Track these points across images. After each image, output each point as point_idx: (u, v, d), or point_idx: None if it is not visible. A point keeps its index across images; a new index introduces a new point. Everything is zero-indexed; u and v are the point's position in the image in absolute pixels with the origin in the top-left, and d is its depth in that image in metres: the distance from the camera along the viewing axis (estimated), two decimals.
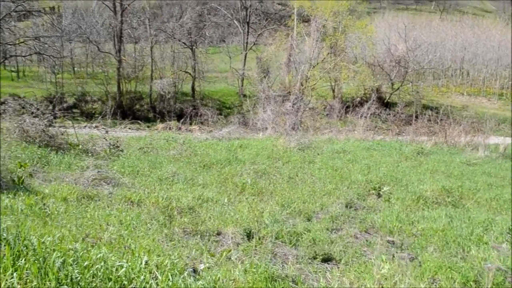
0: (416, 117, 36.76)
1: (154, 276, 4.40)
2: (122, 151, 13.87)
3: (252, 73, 43.33)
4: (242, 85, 44.98)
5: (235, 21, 51.52)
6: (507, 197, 10.79)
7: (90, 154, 12.89)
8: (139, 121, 32.48)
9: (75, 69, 50.46)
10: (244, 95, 41.18)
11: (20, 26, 44.76)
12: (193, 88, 43.09)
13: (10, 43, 38.66)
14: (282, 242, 6.92)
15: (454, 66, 67.06)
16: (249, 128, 25.80)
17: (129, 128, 31.48)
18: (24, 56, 41.62)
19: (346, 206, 9.43)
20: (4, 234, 4.69)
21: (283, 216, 8.33)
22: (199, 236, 6.82)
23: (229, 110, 40.78)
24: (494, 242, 7.23)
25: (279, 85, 40.59)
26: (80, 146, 13.55)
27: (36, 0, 47.12)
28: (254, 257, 5.82)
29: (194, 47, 43.75)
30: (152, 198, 8.68)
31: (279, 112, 23.05)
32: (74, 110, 38.28)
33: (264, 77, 40.21)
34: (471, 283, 5.44)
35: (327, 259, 6.38)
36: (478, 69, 64.77)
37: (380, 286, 4.79)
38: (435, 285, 5.42)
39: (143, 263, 4.57)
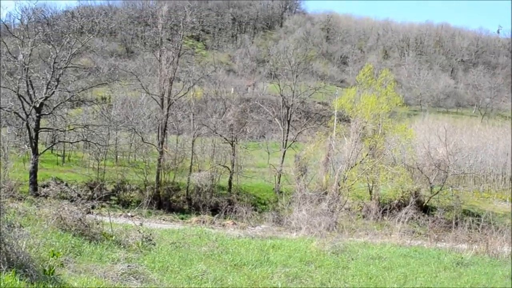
0: (456, 223, 35.57)
1: None
2: (154, 244, 13.87)
3: (290, 171, 43.62)
4: (279, 182, 45.14)
5: (276, 119, 52.88)
6: None
7: (122, 246, 12.93)
8: (174, 213, 32.65)
9: (118, 157, 52.19)
10: (280, 192, 41.13)
11: (71, 114, 47.32)
12: (230, 183, 43.54)
13: (61, 130, 40.58)
14: None
15: (496, 171, 65.90)
16: (283, 226, 25.49)
17: (164, 220, 31.67)
18: (71, 143, 43.33)
19: None
20: None
21: None
22: None
23: (264, 206, 40.64)
24: None
25: (316, 184, 40.53)
26: (114, 237, 13.64)
27: (90, 91, 50.09)
28: None
29: (234, 142, 44.80)
30: None
31: (314, 213, 22.79)
32: (112, 197, 39.00)
33: (302, 175, 40.38)
34: None
35: None
36: None
37: None
38: None
39: None
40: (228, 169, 43.81)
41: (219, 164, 44.41)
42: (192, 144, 43.54)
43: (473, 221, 28.67)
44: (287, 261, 13.75)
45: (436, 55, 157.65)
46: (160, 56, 42.83)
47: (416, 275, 13.54)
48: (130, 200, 39.39)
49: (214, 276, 10.98)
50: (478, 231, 24.81)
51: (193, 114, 45.68)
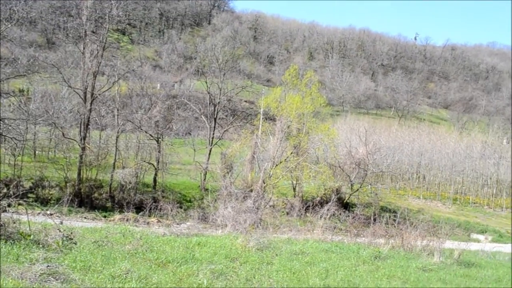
0: (375, 219, 37.29)
1: None
2: (75, 243, 13.40)
3: (216, 168, 43.68)
4: (205, 179, 45.06)
5: (203, 116, 52.68)
6: None
7: (41, 246, 12.40)
8: (96, 211, 31.71)
9: (37, 152, 49.79)
10: (206, 189, 41.11)
11: None
12: (155, 180, 42.86)
13: None
14: None
15: (411, 170, 69.73)
16: (209, 223, 25.52)
17: (85, 218, 30.71)
18: None
19: None
20: None
21: None
22: None
23: (190, 204, 40.45)
24: None
25: (241, 181, 40.88)
26: (32, 237, 13.04)
27: (7, 83, 47.35)
28: None
29: (160, 139, 44.12)
30: None
31: (239, 210, 22.99)
32: (30, 195, 37.17)
33: (227, 172, 40.57)
34: None
35: None
36: (433, 174, 67.52)
37: None
38: None
39: None
40: (153, 166, 43.12)
41: (144, 161, 43.56)
42: (116, 140, 42.38)
43: (389, 217, 30.11)
44: (213, 258, 13.81)
45: (358, 59, 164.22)
46: (83, 48, 41.25)
47: (337, 269, 14.03)
48: (49, 197, 37.75)
49: (139, 274, 10.83)
50: (394, 226, 25.99)
51: (118, 110, 44.43)
